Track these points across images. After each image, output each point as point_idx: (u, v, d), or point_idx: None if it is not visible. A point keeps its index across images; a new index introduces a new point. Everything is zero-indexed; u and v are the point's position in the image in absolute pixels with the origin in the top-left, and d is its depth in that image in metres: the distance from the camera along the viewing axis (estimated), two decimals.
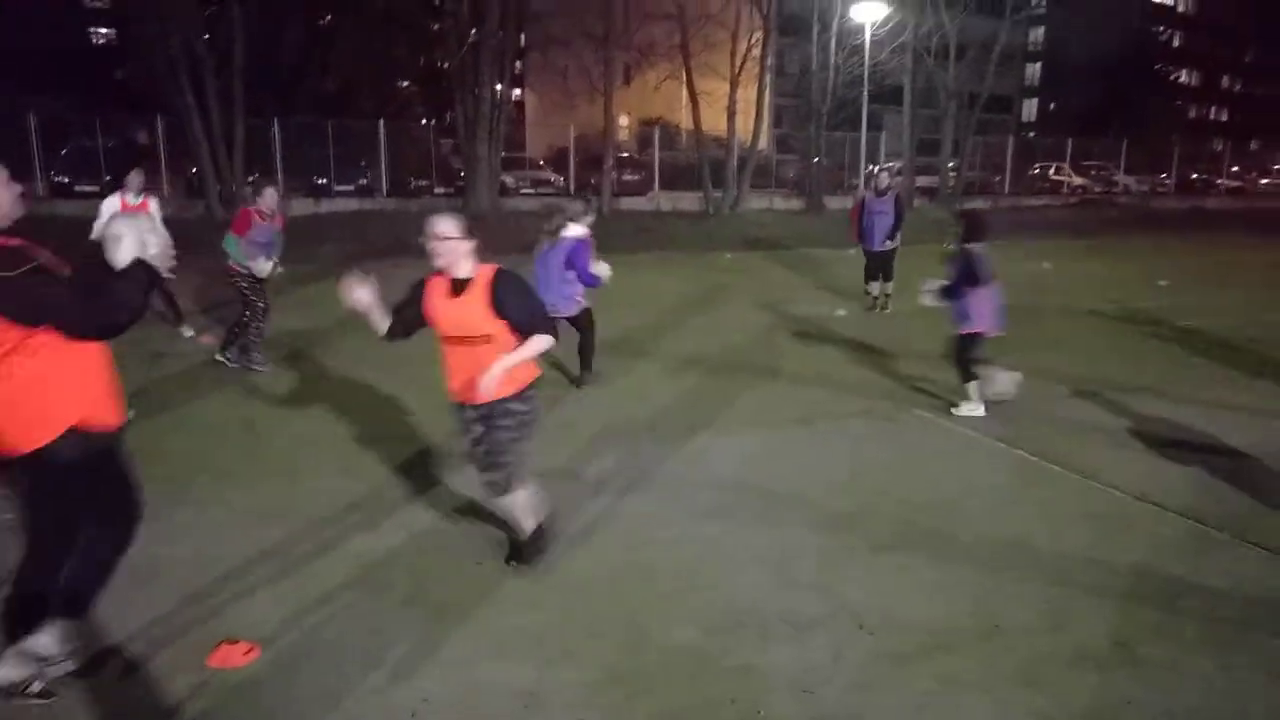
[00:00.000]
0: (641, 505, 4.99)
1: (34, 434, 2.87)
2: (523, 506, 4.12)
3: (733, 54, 26.07)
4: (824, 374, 8.08)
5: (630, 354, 8.64)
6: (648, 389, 7.49)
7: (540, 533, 4.21)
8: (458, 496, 4.98)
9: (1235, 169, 40.64)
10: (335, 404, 6.89)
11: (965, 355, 6.69)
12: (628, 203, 25.57)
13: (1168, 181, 34.19)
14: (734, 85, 26.21)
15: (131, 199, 8.72)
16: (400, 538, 4.52)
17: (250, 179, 20.84)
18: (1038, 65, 66.62)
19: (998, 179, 32.98)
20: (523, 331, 3.88)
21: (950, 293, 6.63)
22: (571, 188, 26.30)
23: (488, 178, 21.67)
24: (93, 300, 2.90)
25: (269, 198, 7.90)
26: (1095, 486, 5.38)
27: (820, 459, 5.85)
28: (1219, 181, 37.18)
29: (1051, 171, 35.63)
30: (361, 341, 9.15)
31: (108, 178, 19.25)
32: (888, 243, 11.07)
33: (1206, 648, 3.63)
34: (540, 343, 3.90)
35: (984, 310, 6.57)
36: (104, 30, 53.50)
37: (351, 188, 23.90)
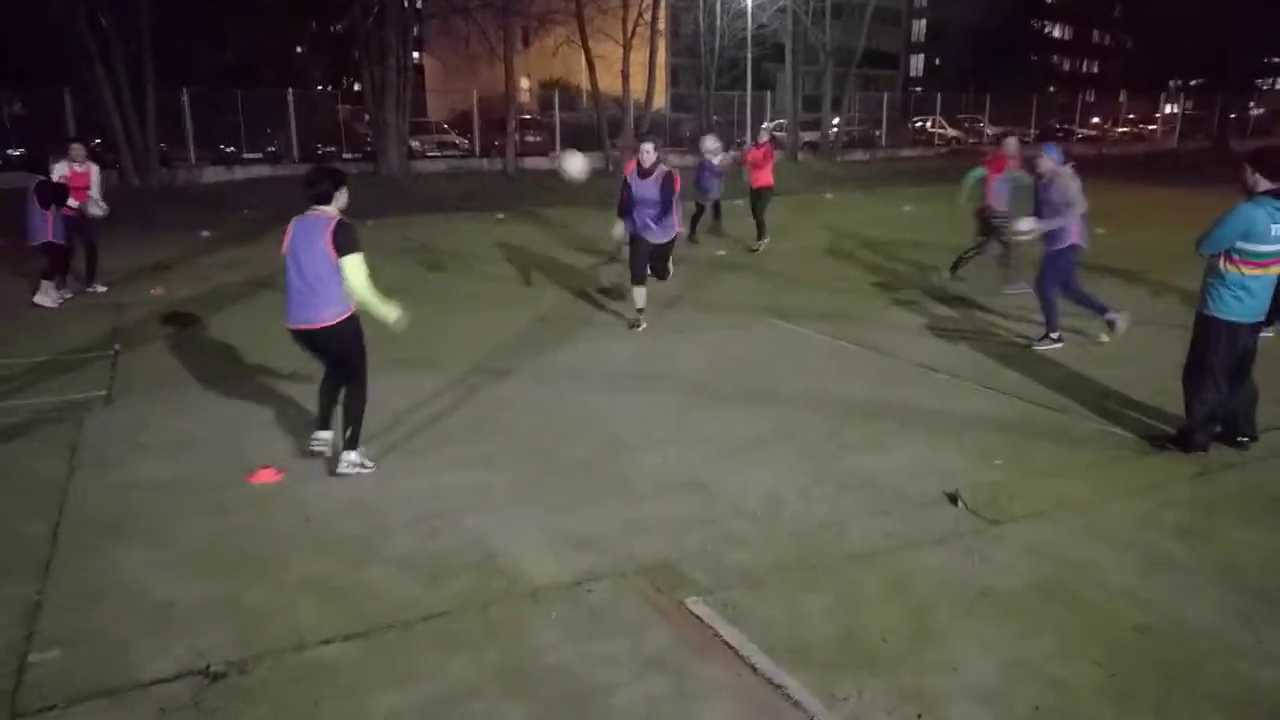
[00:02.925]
0: (550, 389, 6.64)
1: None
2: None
3: (624, 19, 27.43)
4: (700, 298, 9.83)
5: (540, 284, 10.22)
6: (557, 309, 9.09)
7: None
8: (411, 394, 6.54)
9: (1095, 119, 44.07)
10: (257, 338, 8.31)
11: None
12: (531, 162, 26.79)
13: (1030, 132, 37.09)
14: (627, 49, 27.61)
15: (78, 167, 9.85)
16: (377, 421, 5.99)
17: (161, 145, 21.42)
18: (924, 22, 69.84)
19: (877, 133, 35.27)
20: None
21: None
22: (477, 150, 27.37)
23: (397, 143, 22.66)
24: None
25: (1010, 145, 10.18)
26: (889, 360, 7.28)
27: (686, 353, 7.60)
28: (1077, 130, 40.43)
29: (928, 124, 38.11)
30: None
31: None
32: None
33: (930, 437, 5.51)
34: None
35: None
36: None
37: (260, 155, 24.56)
